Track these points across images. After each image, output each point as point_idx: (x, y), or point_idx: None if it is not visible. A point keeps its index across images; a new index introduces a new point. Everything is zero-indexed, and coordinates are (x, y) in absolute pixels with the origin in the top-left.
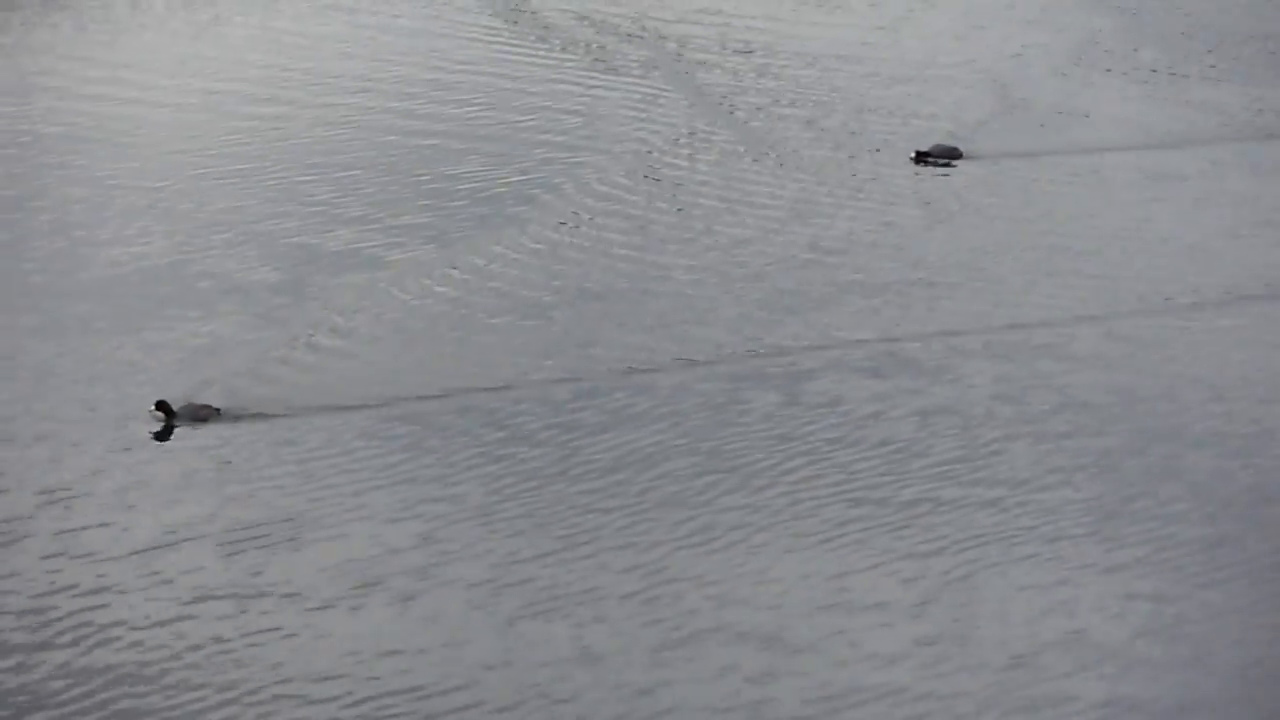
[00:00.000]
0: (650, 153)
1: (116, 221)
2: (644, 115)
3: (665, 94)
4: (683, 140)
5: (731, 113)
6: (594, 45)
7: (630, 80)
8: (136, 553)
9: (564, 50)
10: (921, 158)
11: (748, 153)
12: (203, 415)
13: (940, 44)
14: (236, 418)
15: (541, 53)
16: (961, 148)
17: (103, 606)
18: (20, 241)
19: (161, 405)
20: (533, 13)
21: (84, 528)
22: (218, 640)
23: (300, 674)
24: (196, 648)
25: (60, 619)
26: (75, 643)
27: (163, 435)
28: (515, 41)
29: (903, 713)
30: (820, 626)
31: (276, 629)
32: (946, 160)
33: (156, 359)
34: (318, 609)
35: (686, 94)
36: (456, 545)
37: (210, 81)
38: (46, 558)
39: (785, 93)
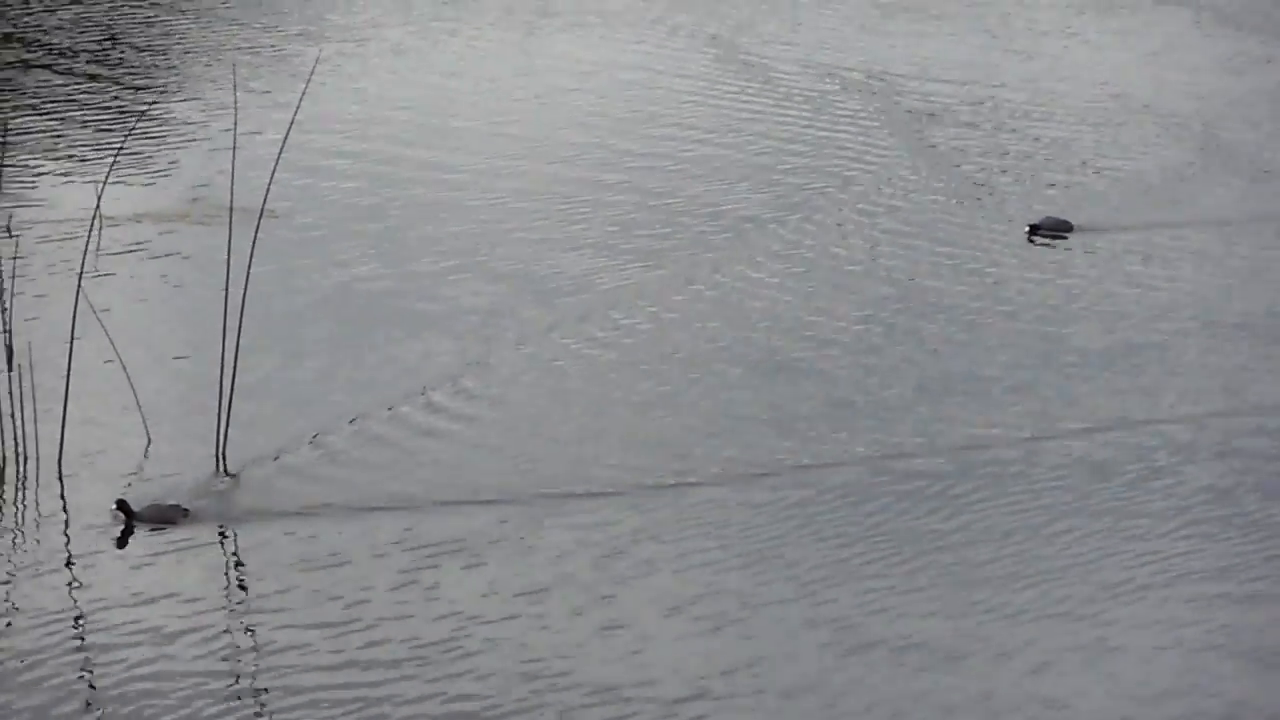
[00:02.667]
0: (874, 205)
1: (350, 242)
2: (867, 164)
3: (890, 147)
4: (912, 192)
5: (958, 167)
6: (816, 93)
7: (853, 129)
8: None
9: (787, 98)
10: (1034, 231)
11: (971, 209)
12: (168, 517)
13: (1166, 98)
14: (206, 519)
15: (761, 97)
16: (1072, 221)
17: None
18: (261, 260)
19: (122, 505)
20: (750, 58)
21: None
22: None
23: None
24: None
25: None
26: None
27: (122, 540)
28: (735, 84)
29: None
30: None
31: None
32: (1058, 234)
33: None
34: None
35: (913, 146)
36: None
37: (454, 111)
38: None
39: (1010, 147)
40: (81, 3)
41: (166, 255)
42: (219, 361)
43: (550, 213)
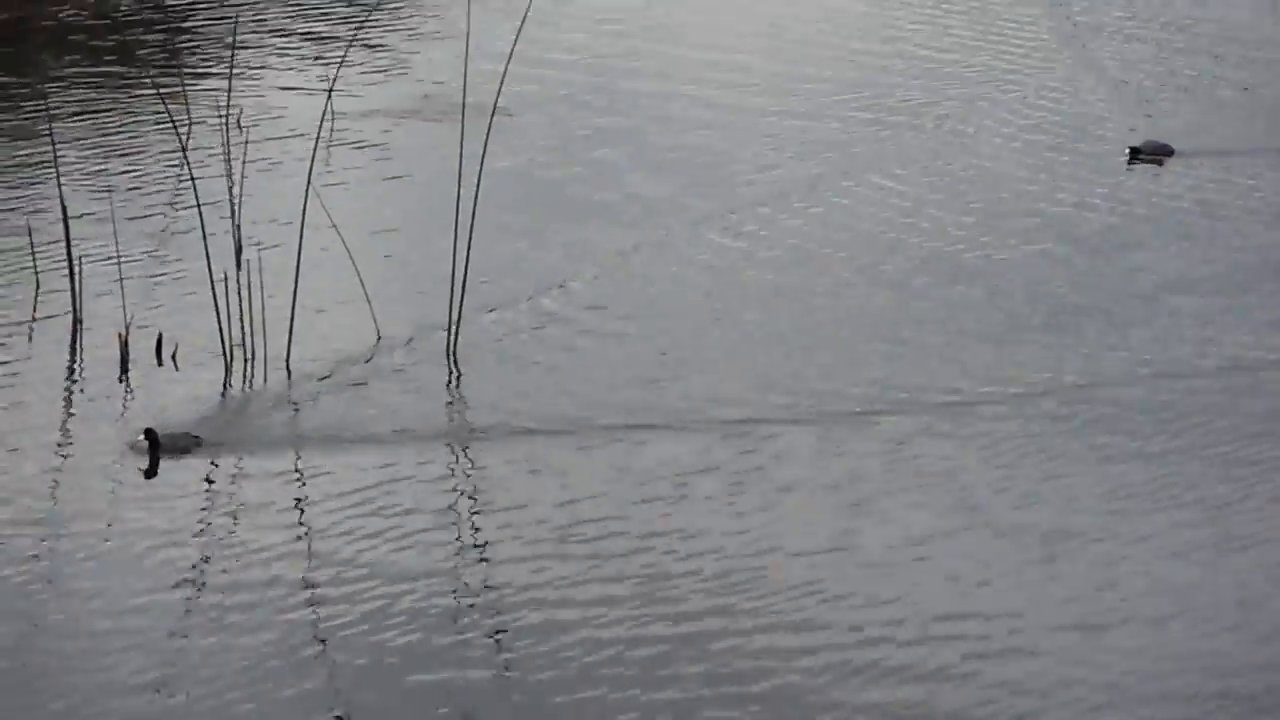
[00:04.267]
0: (1024, 113)
1: (541, 134)
2: (1025, 74)
3: (1051, 60)
4: (1063, 103)
5: (1121, 82)
6: (985, 4)
7: (1019, 40)
8: None
9: (959, 8)
10: (1135, 155)
11: (1124, 121)
12: (183, 445)
13: None
14: (220, 447)
15: (934, 8)
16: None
17: None
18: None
19: (149, 434)
20: None
21: None
22: None
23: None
24: None
25: None
26: None
27: (150, 471)
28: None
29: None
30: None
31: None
32: (1158, 157)
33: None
34: None
35: (1076, 58)
36: None
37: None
38: None
39: (1174, 64)
40: None
41: (396, 150)
42: (437, 257)
43: (740, 107)
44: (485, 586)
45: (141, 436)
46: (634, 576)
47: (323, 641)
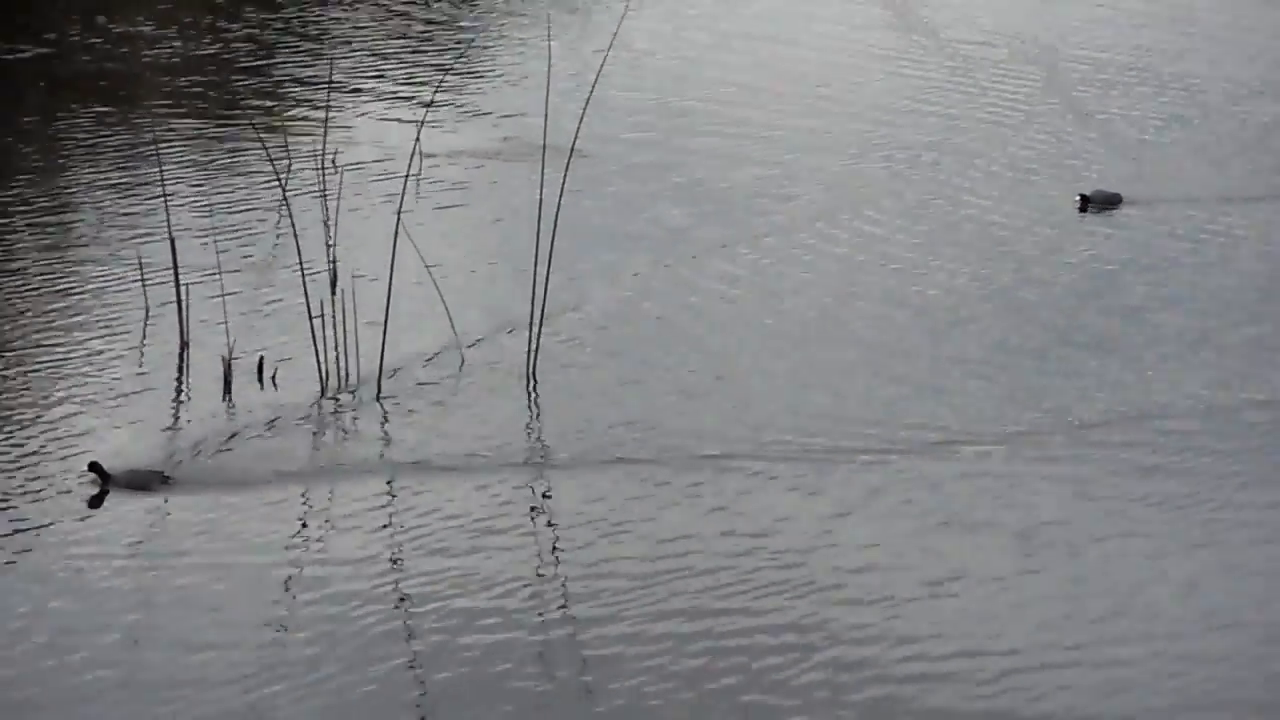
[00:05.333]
0: (1010, 158)
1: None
2: (1015, 121)
3: (1044, 109)
4: (1051, 149)
5: (1110, 131)
6: (983, 57)
7: (1013, 92)
8: None
9: (956, 59)
10: (1085, 202)
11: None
12: (144, 483)
13: None
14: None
15: (932, 57)
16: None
17: None
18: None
19: (94, 467)
20: (927, 21)
21: None
22: None
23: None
24: None
25: None
26: None
27: (96, 502)
28: (913, 48)
29: None
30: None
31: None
32: (1108, 206)
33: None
34: None
35: (1068, 108)
36: None
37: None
38: None
39: (1172, 116)
40: None
41: (478, 188)
42: (514, 286)
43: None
44: (566, 620)
45: (86, 469)
46: (713, 607)
47: (410, 671)
